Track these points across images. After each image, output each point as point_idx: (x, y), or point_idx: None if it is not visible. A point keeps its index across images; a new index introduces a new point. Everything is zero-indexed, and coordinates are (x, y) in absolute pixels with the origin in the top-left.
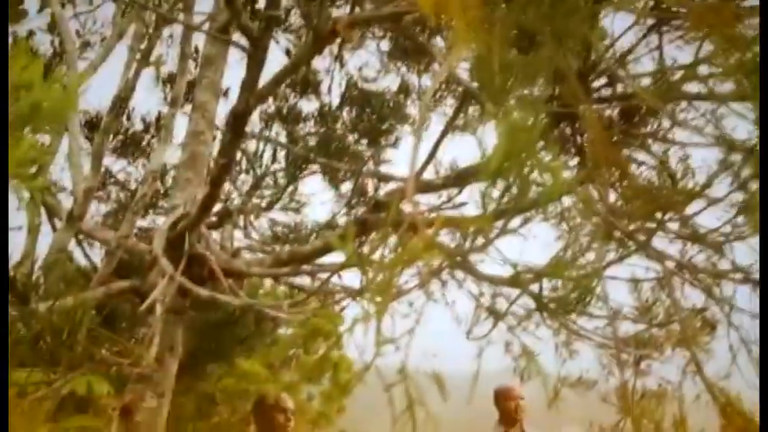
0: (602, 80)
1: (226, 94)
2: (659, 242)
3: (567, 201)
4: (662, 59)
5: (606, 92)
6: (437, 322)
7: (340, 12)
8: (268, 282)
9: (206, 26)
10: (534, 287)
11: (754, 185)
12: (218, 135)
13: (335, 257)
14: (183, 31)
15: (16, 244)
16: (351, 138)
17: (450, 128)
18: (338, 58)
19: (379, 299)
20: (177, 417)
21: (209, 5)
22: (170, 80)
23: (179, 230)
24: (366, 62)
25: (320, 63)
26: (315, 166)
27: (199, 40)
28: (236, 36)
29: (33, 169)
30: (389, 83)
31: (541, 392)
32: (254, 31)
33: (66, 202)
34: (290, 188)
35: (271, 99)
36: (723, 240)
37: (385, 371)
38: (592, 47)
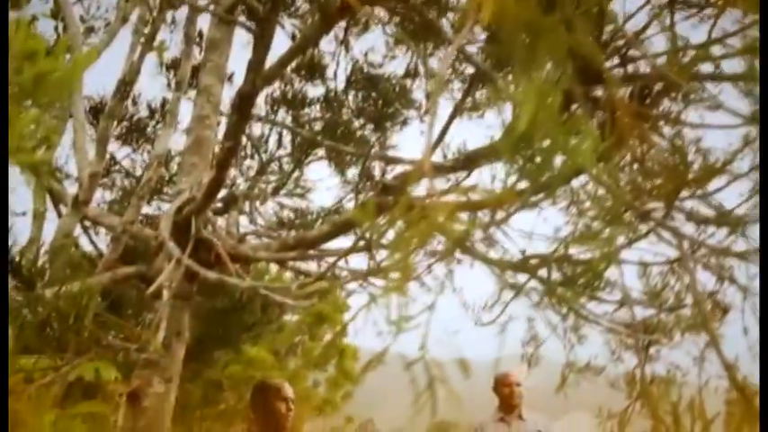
0: (613, 61)
1: (230, 78)
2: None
3: (576, 184)
4: (674, 38)
5: (617, 73)
6: (444, 309)
7: None
8: (274, 268)
9: (211, 8)
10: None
11: None
12: (223, 120)
13: (342, 242)
14: (187, 14)
15: (21, 229)
16: (356, 123)
17: (458, 110)
18: (344, 42)
19: (397, 274)
20: (184, 404)
21: None
22: (174, 66)
23: (185, 215)
24: (372, 47)
25: (326, 48)
26: (320, 152)
27: (203, 23)
28: (242, 18)
29: (36, 145)
30: (395, 67)
31: (550, 378)
32: (260, 12)
33: (72, 189)
34: (296, 174)
35: (276, 84)
36: (741, 221)
37: (396, 359)
38: (603, 24)
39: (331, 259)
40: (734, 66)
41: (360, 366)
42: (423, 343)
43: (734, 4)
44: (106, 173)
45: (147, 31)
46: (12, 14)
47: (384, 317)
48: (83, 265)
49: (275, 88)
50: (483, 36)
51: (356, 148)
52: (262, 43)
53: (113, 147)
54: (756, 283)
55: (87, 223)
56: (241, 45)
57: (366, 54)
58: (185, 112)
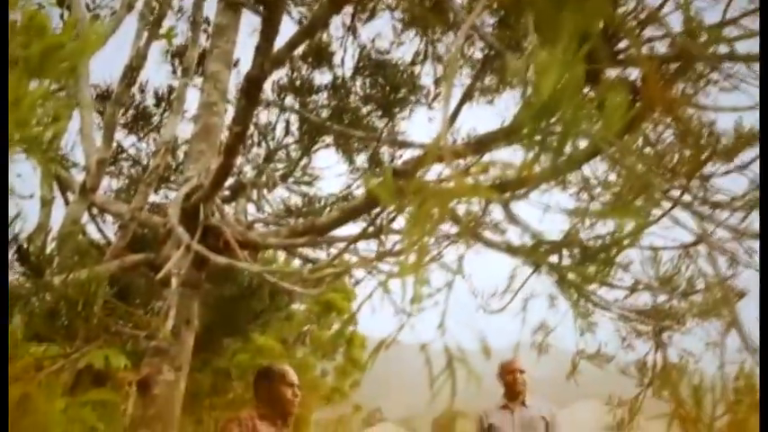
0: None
1: (236, 64)
2: (680, 214)
3: (587, 170)
4: (689, 16)
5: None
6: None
7: None
8: (281, 257)
9: None
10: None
11: None
12: (230, 108)
13: (351, 229)
14: None
15: (28, 215)
16: (364, 110)
17: (469, 95)
18: (351, 29)
19: (412, 255)
20: (194, 392)
21: None
22: (180, 53)
23: (193, 202)
24: (379, 33)
25: (333, 34)
26: (328, 139)
27: (210, 9)
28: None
29: (44, 127)
30: (403, 53)
31: (559, 367)
32: None
33: (79, 177)
34: (304, 161)
35: (283, 71)
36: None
37: (404, 348)
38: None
39: (341, 247)
40: (750, 46)
41: (368, 354)
42: (441, 322)
43: None
44: (113, 161)
45: (153, 17)
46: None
47: (398, 299)
48: (90, 252)
49: (282, 75)
50: (492, 20)
51: (364, 134)
52: (270, 26)
53: (120, 135)
54: None
55: (95, 211)
56: (247, 33)
57: (373, 40)
58: (192, 99)
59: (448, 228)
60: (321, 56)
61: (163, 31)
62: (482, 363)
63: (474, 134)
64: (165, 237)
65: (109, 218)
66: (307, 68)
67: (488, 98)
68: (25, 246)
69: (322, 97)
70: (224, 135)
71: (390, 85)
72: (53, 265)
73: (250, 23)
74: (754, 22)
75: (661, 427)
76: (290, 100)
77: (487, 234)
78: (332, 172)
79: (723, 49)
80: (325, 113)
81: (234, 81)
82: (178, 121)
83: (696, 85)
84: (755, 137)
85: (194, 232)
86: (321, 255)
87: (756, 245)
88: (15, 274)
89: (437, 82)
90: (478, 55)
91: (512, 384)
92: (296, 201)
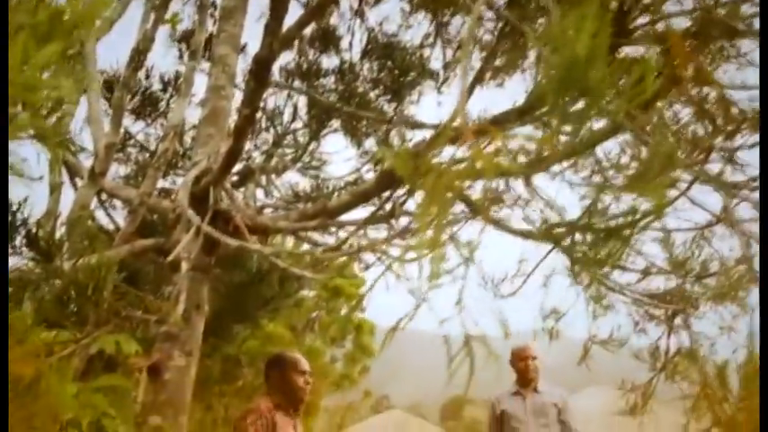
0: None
1: (243, 50)
2: (697, 194)
3: (600, 152)
4: None
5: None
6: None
7: None
8: (290, 243)
9: None
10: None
11: None
12: (238, 94)
13: (361, 213)
14: None
15: (37, 200)
16: (372, 94)
17: (480, 78)
18: (359, 12)
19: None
20: (203, 379)
21: None
22: (186, 38)
23: (203, 186)
24: (387, 16)
25: (340, 19)
26: (336, 124)
27: None
28: None
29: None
30: (411, 37)
31: (568, 353)
32: None
33: (87, 163)
34: (312, 146)
35: (291, 56)
36: None
37: (413, 335)
38: None
39: (351, 231)
40: None
41: (377, 341)
42: (459, 299)
43: None
44: (121, 147)
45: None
46: None
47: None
48: (100, 236)
49: (290, 60)
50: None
51: (374, 115)
52: (279, 4)
53: (127, 121)
54: None
55: (104, 197)
56: (254, 18)
57: (381, 23)
58: (199, 84)
59: (461, 210)
60: (328, 40)
61: (168, 15)
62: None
63: (484, 117)
64: (175, 221)
65: (118, 205)
66: (314, 53)
67: (498, 81)
68: (34, 230)
69: (329, 82)
70: (232, 120)
71: (399, 69)
72: (63, 250)
73: (258, 6)
74: None
75: (672, 412)
76: (297, 85)
77: (500, 216)
78: (340, 157)
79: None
80: (332, 98)
81: (241, 66)
82: (186, 104)
83: (716, 60)
84: None
85: (204, 217)
86: (331, 240)
87: None
88: (24, 260)
89: (446, 65)
90: (488, 38)
91: (524, 371)
92: (304, 186)
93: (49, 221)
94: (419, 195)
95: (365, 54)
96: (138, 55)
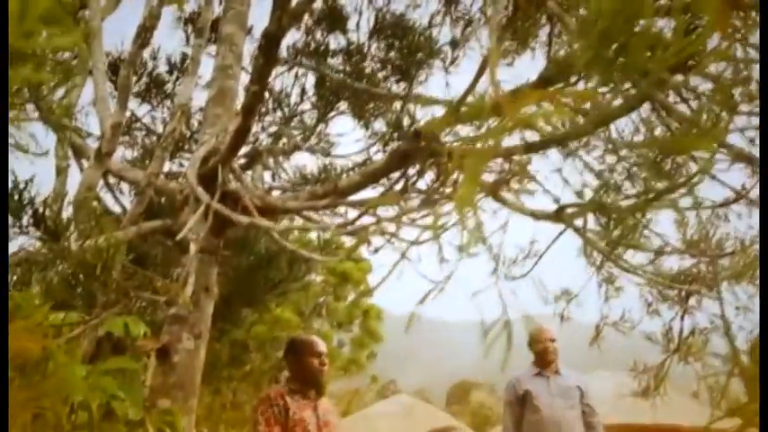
0: None
1: (250, 31)
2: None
3: (613, 132)
4: None
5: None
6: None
7: None
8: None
9: None
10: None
11: None
12: (244, 76)
13: (371, 193)
14: None
15: (43, 179)
16: (380, 75)
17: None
18: None
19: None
20: (212, 363)
21: None
22: (192, 20)
23: (211, 166)
24: None
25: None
26: (343, 106)
27: None
28: None
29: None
30: (420, 16)
31: (577, 335)
32: None
33: (94, 146)
34: (319, 128)
35: (298, 35)
36: None
37: (420, 321)
38: None
39: (361, 212)
40: None
41: (384, 326)
42: (495, 268)
43: None
44: (127, 130)
45: None
46: None
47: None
48: (106, 218)
49: (297, 39)
50: None
51: (380, 101)
52: None
53: (133, 104)
54: None
55: (111, 181)
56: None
57: (389, 2)
58: (205, 66)
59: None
60: (336, 20)
61: None
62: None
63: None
64: (183, 203)
65: (125, 191)
66: (322, 33)
67: (508, 60)
68: (41, 210)
69: (337, 62)
70: (239, 102)
71: (407, 48)
72: (70, 229)
73: None
74: None
75: (681, 395)
76: (305, 63)
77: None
78: (348, 139)
79: None
80: (340, 81)
81: (248, 48)
82: (194, 83)
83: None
84: None
85: (213, 198)
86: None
87: None
88: (32, 239)
89: (455, 45)
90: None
91: (543, 353)
92: (312, 169)
93: (56, 203)
94: (429, 175)
95: (373, 34)
96: (145, 32)
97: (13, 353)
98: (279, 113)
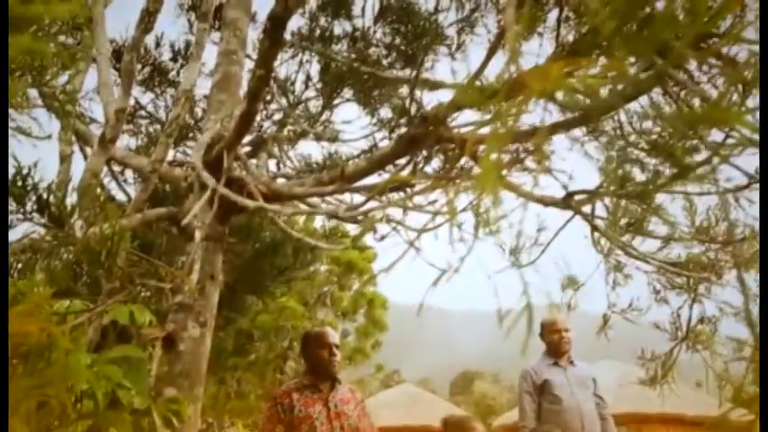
0: None
1: (254, 18)
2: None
3: (623, 117)
4: None
5: None
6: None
7: None
8: (301, 219)
9: None
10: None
11: None
12: (248, 62)
13: (377, 180)
14: None
15: (48, 164)
16: (385, 62)
17: (497, 44)
18: None
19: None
20: (216, 352)
21: None
22: (195, 7)
23: (216, 153)
24: None
25: None
26: (348, 94)
27: None
28: None
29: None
30: (425, 1)
31: (582, 325)
32: None
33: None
34: (324, 116)
35: (303, 21)
36: None
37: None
38: None
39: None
40: None
41: (389, 315)
42: (515, 247)
43: None
44: (131, 118)
45: None
46: None
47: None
48: (110, 205)
49: (301, 26)
50: None
51: (385, 86)
52: None
53: (137, 92)
54: None
55: (116, 169)
56: None
57: None
58: (209, 56)
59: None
60: (340, 5)
61: None
62: (493, 323)
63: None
64: (188, 190)
65: (130, 180)
66: (326, 19)
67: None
68: (45, 196)
69: (342, 48)
70: (243, 89)
71: (413, 33)
72: (74, 216)
73: None
74: None
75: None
76: (309, 54)
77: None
78: (354, 126)
79: None
80: (344, 67)
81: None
82: (198, 68)
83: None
84: None
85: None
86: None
87: None
88: (36, 226)
89: (461, 30)
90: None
91: (557, 343)
92: (317, 158)
93: (61, 190)
94: (436, 161)
95: (378, 19)
96: (148, 16)
97: (13, 338)
98: (284, 101)
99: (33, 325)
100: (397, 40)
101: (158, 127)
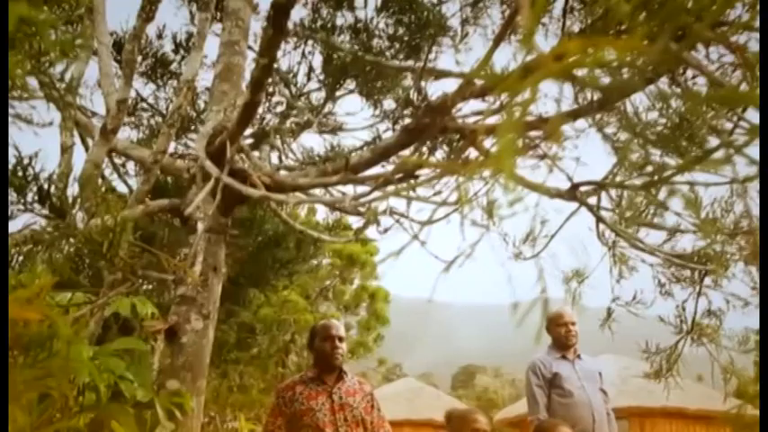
0: None
1: (255, 9)
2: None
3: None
4: None
5: None
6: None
7: None
8: (304, 211)
9: None
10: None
11: None
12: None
13: (381, 171)
14: None
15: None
16: (388, 53)
17: (503, 34)
18: None
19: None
20: (219, 345)
21: None
22: None
23: (219, 144)
24: None
25: None
26: (351, 85)
27: None
28: None
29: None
30: None
31: (587, 318)
32: None
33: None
34: (327, 108)
35: (304, 12)
36: None
37: (422, 305)
38: None
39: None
40: None
41: (391, 309)
42: (529, 232)
43: None
44: (132, 111)
45: None
46: None
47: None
48: (111, 196)
49: (303, 16)
50: None
51: (388, 78)
52: None
53: (138, 84)
54: None
55: (118, 161)
56: None
57: None
58: (211, 47)
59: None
60: None
61: None
62: (494, 317)
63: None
64: (190, 181)
65: (131, 173)
66: (328, 11)
67: (518, 37)
68: (46, 187)
69: (345, 39)
70: (246, 81)
71: (416, 24)
72: (76, 207)
73: None
74: None
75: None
76: (311, 43)
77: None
78: (357, 118)
79: None
80: (348, 58)
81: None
82: (200, 58)
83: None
84: None
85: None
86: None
87: None
88: (37, 217)
89: (464, 21)
90: None
91: (564, 337)
92: (319, 150)
93: (62, 181)
94: (440, 153)
95: (381, 10)
96: (150, 5)
97: (14, 327)
98: (286, 92)
99: (33, 312)
100: (400, 31)
101: (160, 119)
